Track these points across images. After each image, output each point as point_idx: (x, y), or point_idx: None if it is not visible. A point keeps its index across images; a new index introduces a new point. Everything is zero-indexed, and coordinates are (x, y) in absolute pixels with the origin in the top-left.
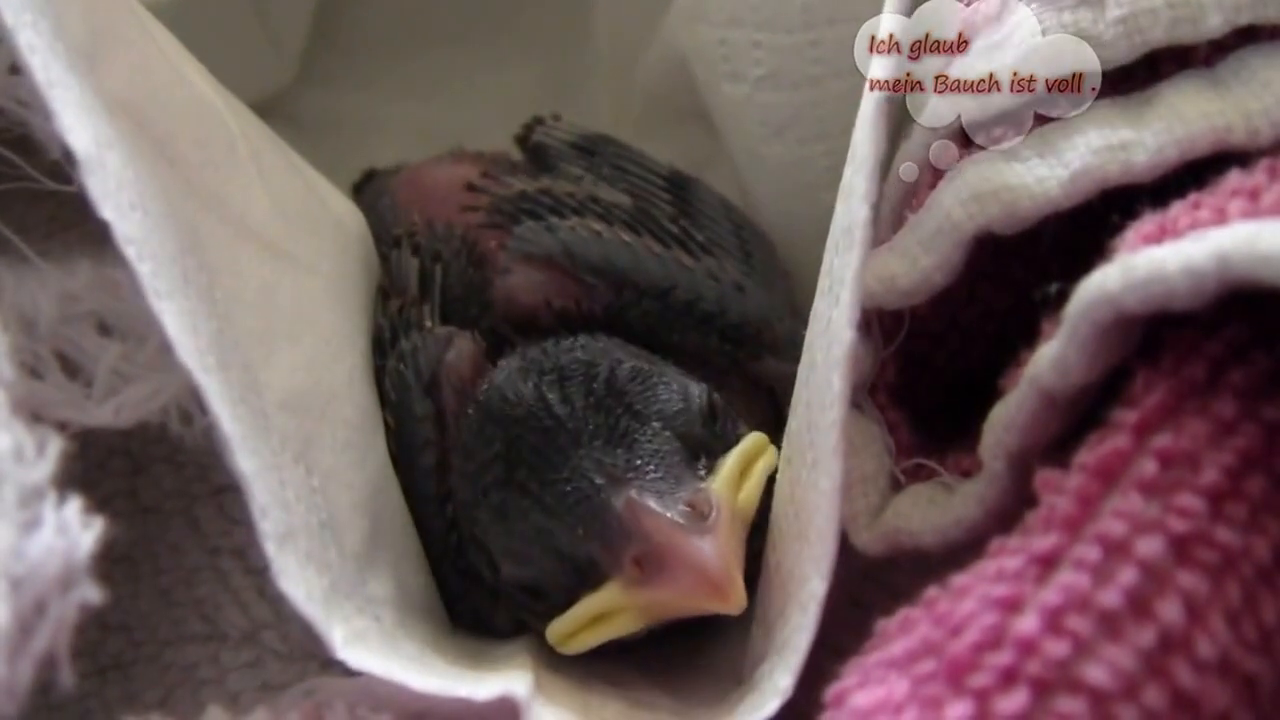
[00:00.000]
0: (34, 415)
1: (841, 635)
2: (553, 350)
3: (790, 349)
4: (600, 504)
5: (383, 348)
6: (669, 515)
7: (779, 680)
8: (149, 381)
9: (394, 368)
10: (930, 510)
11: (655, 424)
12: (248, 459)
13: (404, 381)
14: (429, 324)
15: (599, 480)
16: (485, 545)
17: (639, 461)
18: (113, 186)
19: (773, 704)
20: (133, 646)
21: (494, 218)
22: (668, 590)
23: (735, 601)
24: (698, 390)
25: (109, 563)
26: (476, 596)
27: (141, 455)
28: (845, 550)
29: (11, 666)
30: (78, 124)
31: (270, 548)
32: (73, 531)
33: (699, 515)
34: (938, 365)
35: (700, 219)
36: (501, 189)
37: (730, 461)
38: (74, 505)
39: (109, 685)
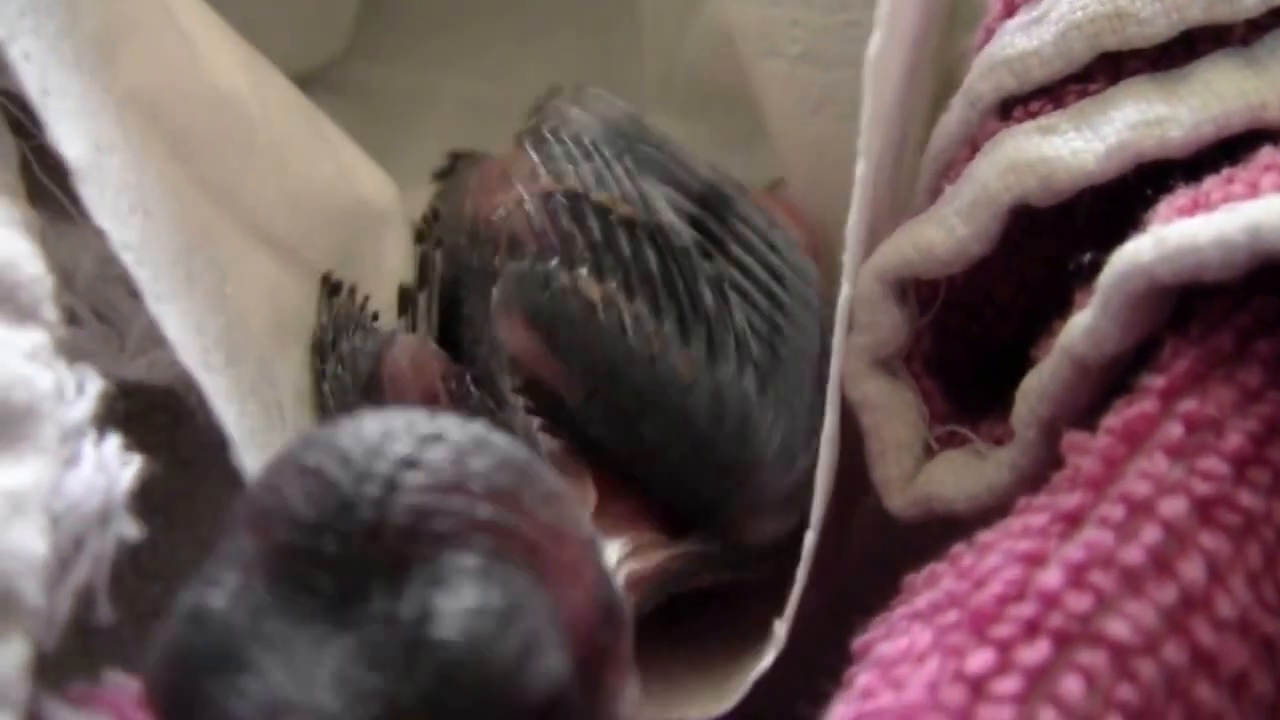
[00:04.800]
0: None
1: (872, 598)
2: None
3: (783, 505)
4: None
5: (323, 352)
6: None
7: (774, 629)
8: None
9: (332, 372)
10: (963, 476)
11: (416, 674)
12: (251, 458)
13: (342, 386)
14: (373, 323)
15: (271, 701)
16: None
17: (329, 713)
18: (111, 193)
19: (769, 654)
20: (171, 595)
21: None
22: None
23: None
24: (549, 679)
25: (148, 512)
26: None
27: (180, 409)
28: (878, 515)
29: (50, 598)
30: (72, 133)
31: None
32: (112, 468)
33: None
34: (971, 337)
35: (735, 261)
36: (531, 184)
37: None
38: (113, 443)
39: (147, 632)
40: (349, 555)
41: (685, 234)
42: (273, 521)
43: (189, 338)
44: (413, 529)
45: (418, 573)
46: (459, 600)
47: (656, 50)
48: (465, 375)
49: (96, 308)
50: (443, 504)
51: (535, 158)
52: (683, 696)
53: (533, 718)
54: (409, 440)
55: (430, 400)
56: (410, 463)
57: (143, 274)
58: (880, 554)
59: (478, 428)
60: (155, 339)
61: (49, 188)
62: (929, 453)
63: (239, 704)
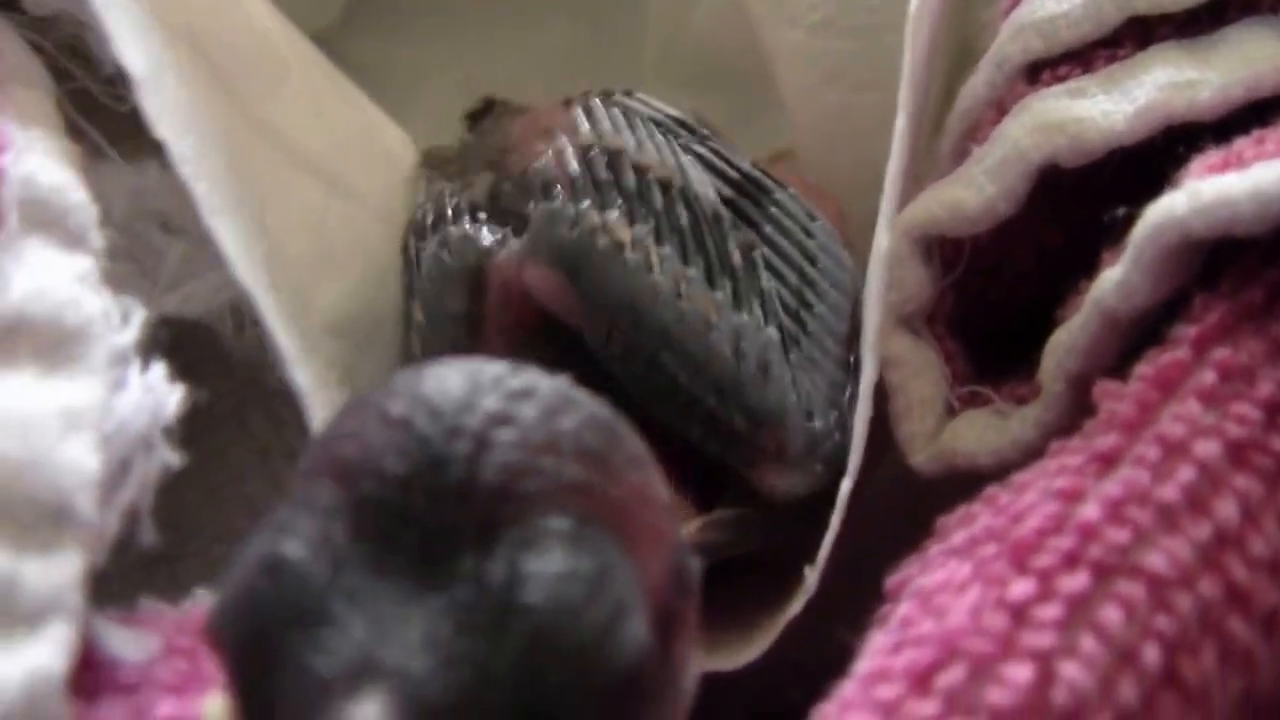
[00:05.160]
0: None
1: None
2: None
3: (805, 459)
4: (328, 692)
5: (421, 231)
6: None
7: (805, 576)
8: (211, 279)
9: (434, 253)
10: (987, 433)
11: (506, 639)
12: (303, 373)
13: (443, 269)
14: (483, 216)
15: (364, 657)
16: None
17: (416, 677)
18: (169, 107)
19: (799, 601)
20: (179, 542)
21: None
22: None
23: None
24: (634, 645)
25: (181, 444)
26: None
27: (192, 359)
28: (901, 470)
29: (101, 515)
30: (134, 45)
31: None
32: (158, 392)
33: None
34: (991, 302)
35: (767, 240)
36: (582, 139)
37: None
38: (158, 369)
39: (156, 576)
40: (437, 513)
41: (719, 205)
42: (357, 472)
43: (242, 253)
44: (504, 489)
45: (507, 534)
46: (550, 564)
47: (661, 22)
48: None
49: (129, 244)
50: (534, 463)
51: (581, 115)
52: (706, 646)
53: (619, 686)
54: (499, 395)
55: (534, 310)
56: (501, 419)
57: (199, 188)
58: (896, 516)
59: (565, 384)
60: (189, 273)
61: (84, 128)
62: (951, 412)
63: (321, 659)
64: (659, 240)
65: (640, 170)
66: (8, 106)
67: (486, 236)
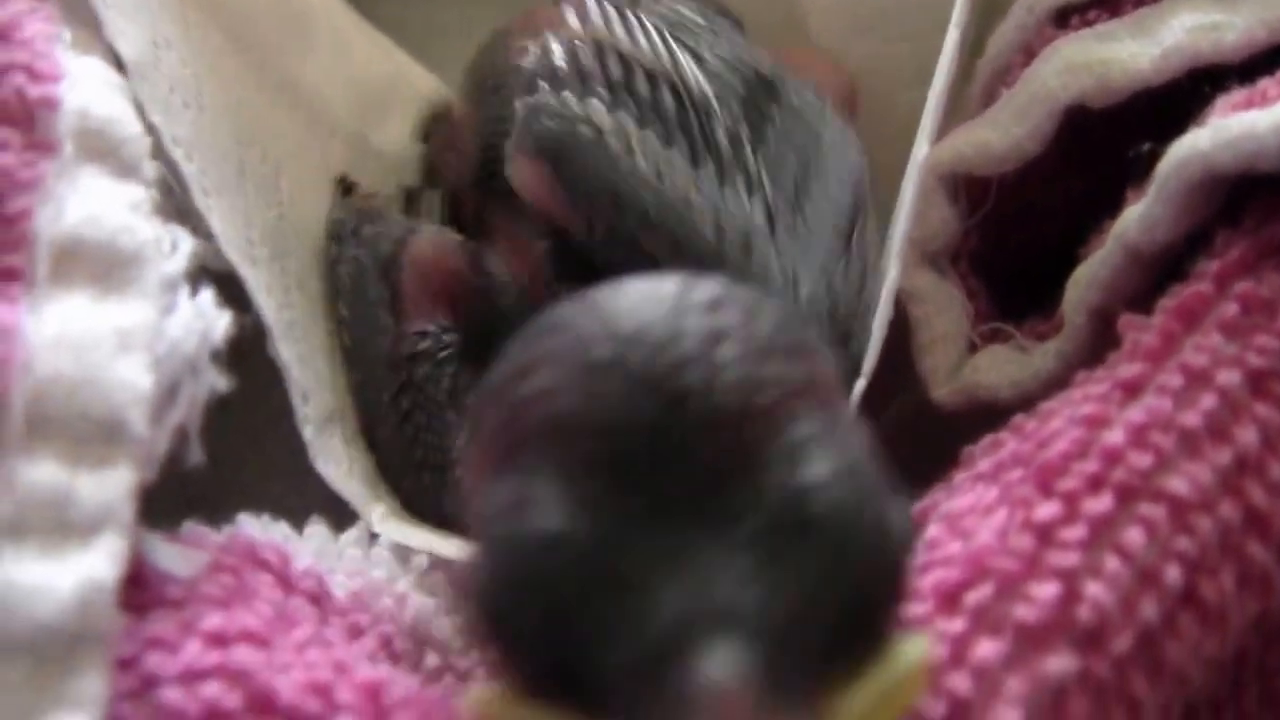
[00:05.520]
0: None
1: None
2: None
3: None
4: (669, 646)
5: (340, 237)
6: None
7: None
8: None
9: (351, 255)
10: (1008, 366)
11: (825, 560)
12: (287, 347)
13: (360, 267)
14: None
15: (697, 606)
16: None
17: (765, 612)
18: (164, 89)
19: None
20: (220, 479)
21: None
22: None
23: None
24: (900, 523)
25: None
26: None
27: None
28: (922, 400)
29: (151, 432)
30: (128, 31)
31: (308, 431)
32: (207, 317)
33: None
34: (1016, 244)
35: (765, 134)
36: (569, 32)
37: (879, 681)
38: (207, 295)
39: (195, 515)
40: (690, 451)
41: (707, 91)
42: (587, 430)
43: (234, 231)
44: (745, 408)
45: (767, 453)
46: (821, 470)
47: None
48: (485, 258)
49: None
50: (761, 374)
51: (570, 10)
52: None
53: (907, 558)
54: (697, 312)
55: (453, 283)
56: (714, 337)
57: (190, 169)
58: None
59: (718, 282)
60: None
61: None
62: (972, 349)
63: (642, 624)
64: (642, 125)
65: (625, 60)
66: (63, 40)
67: (397, 228)
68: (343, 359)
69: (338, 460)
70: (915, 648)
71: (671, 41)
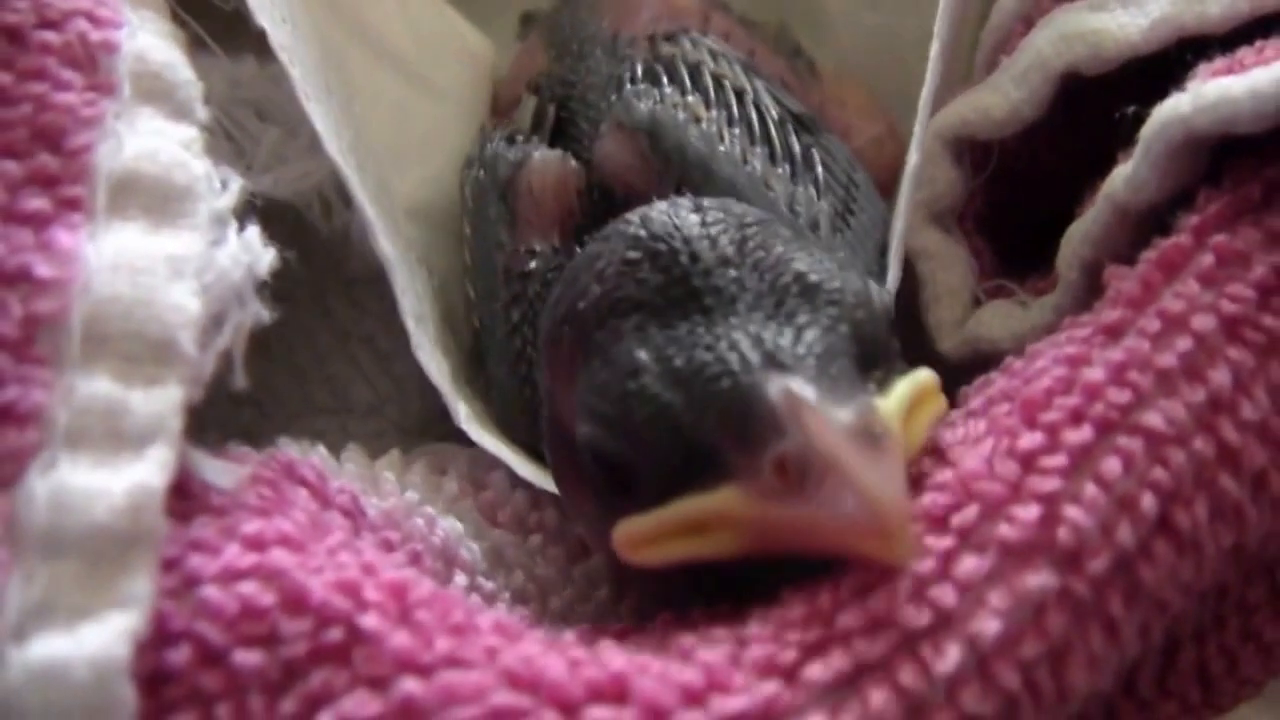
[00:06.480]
0: None
1: None
2: (713, 201)
3: None
4: (748, 387)
5: (470, 163)
6: (840, 419)
7: None
8: (299, 166)
9: (474, 175)
10: (1009, 320)
11: (830, 311)
12: (388, 243)
13: (480, 187)
14: (519, 139)
15: (753, 358)
16: (558, 394)
17: (802, 350)
18: (267, 2)
19: None
20: (264, 418)
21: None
22: (815, 512)
23: (903, 549)
24: (877, 289)
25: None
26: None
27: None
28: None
29: (199, 355)
30: None
31: (410, 323)
32: (254, 250)
33: (869, 434)
34: (1017, 204)
35: (819, 155)
36: (661, 38)
37: (904, 388)
38: (253, 231)
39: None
40: (711, 276)
41: (780, 113)
42: (633, 301)
43: (331, 135)
44: (741, 245)
45: (768, 258)
46: (813, 262)
47: None
48: (599, 188)
49: (227, 128)
50: (749, 230)
51: (661, 39)
52: None
53: (889, 311)
54: (696, 219)
55: (565, 205)
56: (711, 225)
57: (295, 73)
58: None
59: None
60: (279, 158)
61: (186, 20)
62: (976, 304)
63: (728, 390)
64: (729, 124)
65: (716, 77)
66: None
67: (515, 153)
68: (465, 274)
69: (428, 355)
70: (922, 370)
71: (749, 71)
